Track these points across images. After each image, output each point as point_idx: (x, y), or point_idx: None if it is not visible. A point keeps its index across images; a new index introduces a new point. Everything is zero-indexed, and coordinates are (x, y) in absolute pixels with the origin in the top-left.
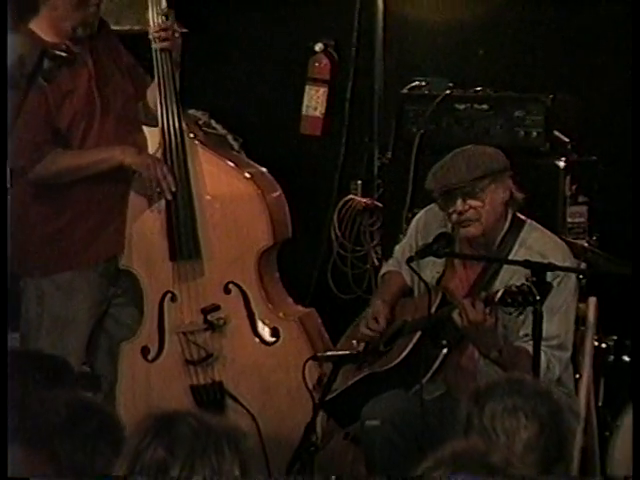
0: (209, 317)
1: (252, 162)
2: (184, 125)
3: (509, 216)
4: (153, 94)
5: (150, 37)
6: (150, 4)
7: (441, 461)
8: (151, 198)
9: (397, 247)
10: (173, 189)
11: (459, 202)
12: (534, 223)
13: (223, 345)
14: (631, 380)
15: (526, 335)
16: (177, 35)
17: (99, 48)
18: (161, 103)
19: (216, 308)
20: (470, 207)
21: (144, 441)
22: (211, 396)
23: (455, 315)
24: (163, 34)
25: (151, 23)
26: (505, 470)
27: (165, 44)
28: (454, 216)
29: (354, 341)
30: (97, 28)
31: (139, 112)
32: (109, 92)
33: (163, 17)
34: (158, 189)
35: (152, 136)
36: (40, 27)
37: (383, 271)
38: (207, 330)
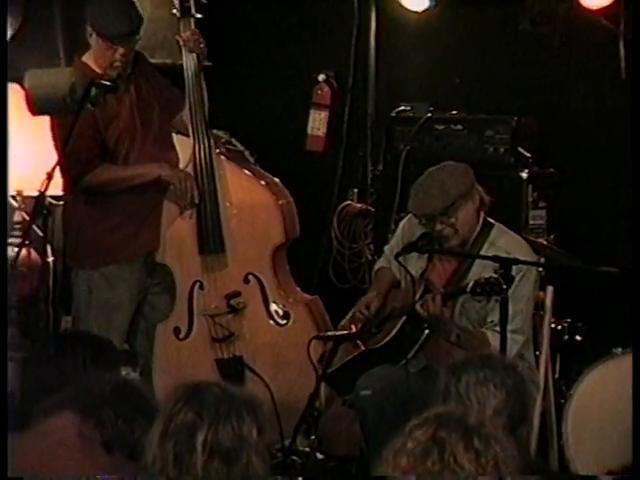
0: (231, 302)
1: (267, 173)
2: (212, 140)
3: (481, 219)
4: (187, 120)
5: (181, 45)
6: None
7: (426, 420)
8: (181, 206)
9: (386, 247)
10: (197, 201)
11: (437, 225)
12: (501, 225)
13: (243, 325)
14: (633, 378)
15: (491, 322)
16: (203, 44)
17: (139, 78)
18: (192, 123)
19: (237, 294)
20: (447, 225)
21: (176, 407)
22: (233, 368)
23: (418, 307)
24: (192, 37)
25: (182, 34)
26: (479, 429)
27: (193, 45)
28: (435, 233)
29: (352, 325)
30: (134, 61)
31: (178, 124)
32: (148, 116)
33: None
34: (186, 199)
35: (183, 148)
36: (90, 60)
37: (376, 267)
38: (230, 313)
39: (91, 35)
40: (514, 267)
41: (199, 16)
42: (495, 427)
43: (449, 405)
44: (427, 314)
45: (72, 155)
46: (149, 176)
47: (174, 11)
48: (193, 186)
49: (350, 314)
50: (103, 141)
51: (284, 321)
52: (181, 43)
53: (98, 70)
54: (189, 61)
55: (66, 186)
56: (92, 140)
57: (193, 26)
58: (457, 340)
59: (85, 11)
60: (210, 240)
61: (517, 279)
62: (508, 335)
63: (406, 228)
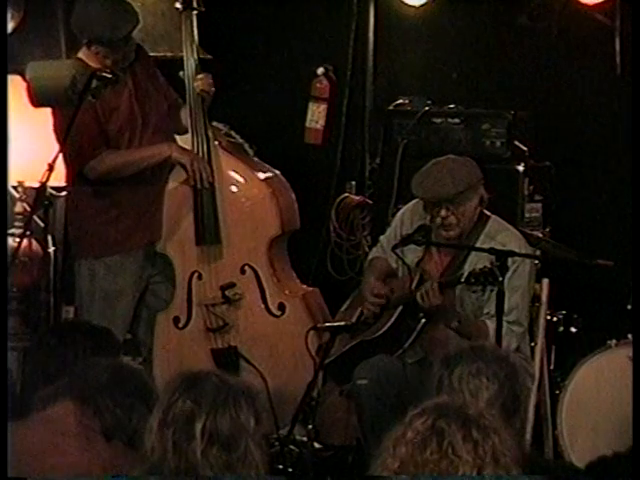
0: (227, 292)
1: (266, 165)
2: (210, 133)
3: (477, 212)
4: (185, 117)
5: (186, 81)
6: (185, 52)
7: (425, 409)
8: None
9: (382, 237)
10: (211, 179)
11: (443, 211)
12: (497, 218)
13: (238, 316)
14: (633, 377)
15: (487, 313)
16: (211, 83)
17: (138, 71)
18: (190, 115)
19: (233, 285)
20: (451, 214)
21: (175, 395)
22: (228, 358)
23: (418, 297)
24: (200, 83)
25: (188, 71)
26: (478, 420)
27: (202, 88)
28: (438, 220)
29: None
30: (135, 54)
31: (176, 125)
32: (147, 107)
33: (199, 66)
34: (197, 179)
35: (182, 142)
36: (86, 57)
37: (370, 257)
38: (225, 303)
39: (89, 43)
40: (509, 259)
41: (201, 9)
42: (494, 418)
43: (443, 396)
44: (428, 304)
45: (76, 146)
46: (160, 156)
47: (177, 4)
48: (205, 165)
49: (346, 305)
50: (106, 132)
51: (279, 312)
52: (195, 88)
53: (95, 65)
54: (190, 61)
55: (69, 177)
56: (96, 131)
57: (195, 22)
58: (458, 326)
59: (77, 21)
60: (206, 231)
61: (511, 270)
62: (506, 326)
63: (404, 219)
